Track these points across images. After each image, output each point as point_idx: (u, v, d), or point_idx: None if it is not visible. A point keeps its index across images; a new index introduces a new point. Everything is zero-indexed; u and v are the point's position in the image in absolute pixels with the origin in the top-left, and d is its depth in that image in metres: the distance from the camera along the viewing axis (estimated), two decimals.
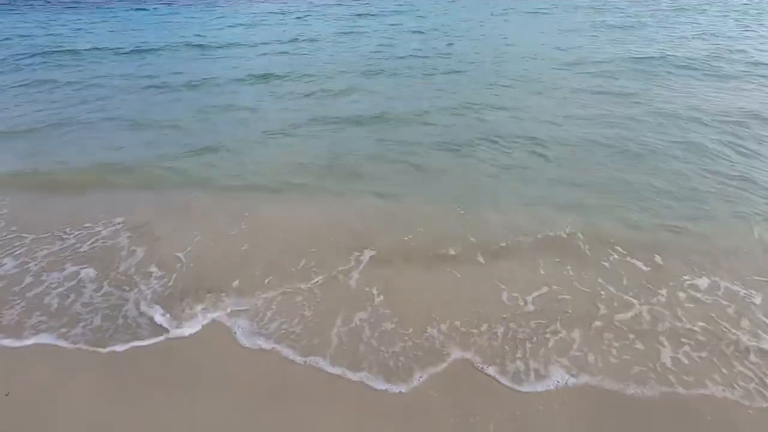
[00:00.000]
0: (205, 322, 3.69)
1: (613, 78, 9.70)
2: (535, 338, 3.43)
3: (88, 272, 4.16)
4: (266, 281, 4.06)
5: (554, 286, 3.88)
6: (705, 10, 23.28)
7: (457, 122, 7.40)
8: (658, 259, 4.16)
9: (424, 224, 4.65)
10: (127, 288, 4.03)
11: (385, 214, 4.96)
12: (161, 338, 3.56)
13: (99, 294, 3.97)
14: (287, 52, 13.93)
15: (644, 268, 4.09)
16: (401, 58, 12.58)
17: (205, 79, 10.31)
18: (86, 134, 7.27)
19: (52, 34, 19.82)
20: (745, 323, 3.53)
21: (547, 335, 3.46)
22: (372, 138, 6.91)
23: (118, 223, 4.82)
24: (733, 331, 3.47)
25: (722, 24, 18.11)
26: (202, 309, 3.77)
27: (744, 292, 3.77)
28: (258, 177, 5.74)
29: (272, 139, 6.89)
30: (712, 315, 3.62)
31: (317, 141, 6.85)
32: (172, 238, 4.63)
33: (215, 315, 3.76)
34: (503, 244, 4.36)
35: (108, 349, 3.49)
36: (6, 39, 18.41)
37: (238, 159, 6.30)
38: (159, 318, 3.69)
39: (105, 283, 4.08)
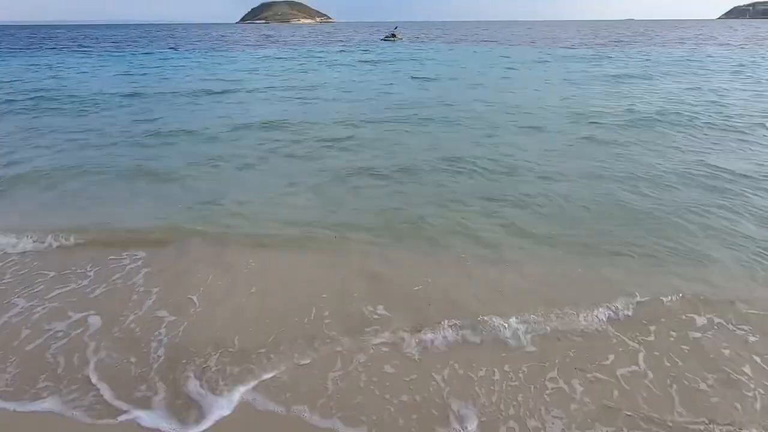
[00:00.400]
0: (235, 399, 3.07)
1: (611, 131, 9.55)
2: None
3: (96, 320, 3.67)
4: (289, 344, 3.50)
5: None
6: (704, 64, 23.91)
7: (459, 179, 7.11)
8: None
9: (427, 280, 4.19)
10: (137, 346, 3.48)
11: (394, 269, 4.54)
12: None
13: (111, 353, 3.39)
14: (289, 99, 13.93)
15: None
16: (401, 107, 12.55)
17: (207, 127, 10.00)
18: (88, 184, 6.91)
19: (56, 77, 20.11)
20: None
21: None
22: (382, 191, 6.63)
23: (129, 275, 4.35)
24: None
25: (718, 76, 18.45)
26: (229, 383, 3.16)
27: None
28: (266, 229, 5.34)
29: (277, 191, 6.57)
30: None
31: (323, 192, 6.53)
32: (183, 293, 4.14)
33: (244, 389, 3.15)
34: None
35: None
36: (14, 80, 18.64)
37: (243, 210, 5.92)
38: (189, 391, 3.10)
39: (114, 338, 3.54)
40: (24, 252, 4.89)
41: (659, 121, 10.30)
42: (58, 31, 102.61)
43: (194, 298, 4.09)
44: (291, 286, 4.30)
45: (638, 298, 4.02)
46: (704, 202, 6.03)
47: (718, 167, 7.22)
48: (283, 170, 7.47)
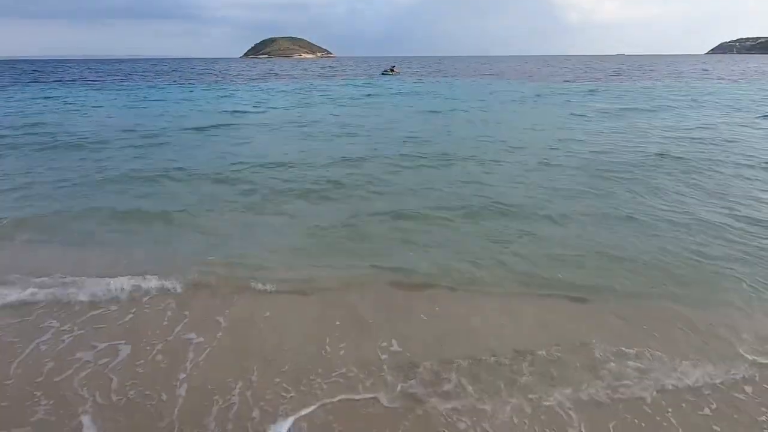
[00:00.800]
0: None
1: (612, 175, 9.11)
2: None
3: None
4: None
5: None
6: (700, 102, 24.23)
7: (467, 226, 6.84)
8: None
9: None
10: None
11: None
12: None
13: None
14: (296, 136, 13.59)
15: None
16: (409, 142, 12.39)
17: (210, 166, 9.69)
18: (82, 226, 6.57)
19: (58, 111, 20.20)
20: None
21: None
22: (386, 225, 6.37)
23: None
24: None
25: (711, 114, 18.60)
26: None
27: None
28: (267, 272, 5.02)
29: (283, 234, 6.23)
30: None
31: (330, 233, 6.23)
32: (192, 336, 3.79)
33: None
34: None
35: None
36: (17, 112, 18.69)
37: (250, 254, 5.60)
38: None
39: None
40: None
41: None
42: (68, 65, 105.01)
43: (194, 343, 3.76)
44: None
45: None
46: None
47: None
48: (289, 211, 7.11)
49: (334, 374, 3.51)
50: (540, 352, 3.72)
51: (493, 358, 3.65)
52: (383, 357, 3.70)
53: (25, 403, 3.23)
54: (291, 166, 9.70)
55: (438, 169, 9.62)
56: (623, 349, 3.76)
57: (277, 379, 3.45)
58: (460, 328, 4.11)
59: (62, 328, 4.08)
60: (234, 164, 9.80)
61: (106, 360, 3.67)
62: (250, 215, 7.01)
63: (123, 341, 3.90)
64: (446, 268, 5.16)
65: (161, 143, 12.50)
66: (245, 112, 19.69)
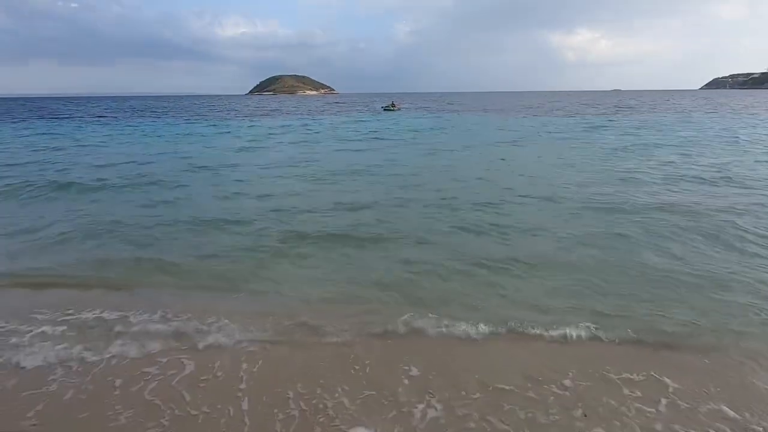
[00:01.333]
0: None
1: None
2: None
3: None
4: None
5: None
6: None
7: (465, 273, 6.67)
8: None
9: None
10: None
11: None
12: None
13: None
14: (302, 177, 12.92)
15: None
16: (412, 185, 11.99)
17: (211, 212, 9.00)
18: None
19: (59, 149, 20.46)
20: None
21: None
22: (384, 263, 6.18)
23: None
24: None
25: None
26: None
27: None
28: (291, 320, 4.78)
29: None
30: None
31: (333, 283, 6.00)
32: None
33: None
34: None
35: None
36: (22, 149, 18.94)
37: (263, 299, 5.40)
38: None
39: None
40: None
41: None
42: (77, 101, 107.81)
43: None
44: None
45: None
46: None
47: None
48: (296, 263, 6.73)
49: None
50: None
51: None
52: None
53: None
54: (295, 212, 9.54)
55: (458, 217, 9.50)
56: None
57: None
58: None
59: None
60: (239, 210, 9.42)
61: None
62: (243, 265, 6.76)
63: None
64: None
65: (160, 191, 12.40)
66: (250, 148, 19.91)
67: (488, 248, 6.86)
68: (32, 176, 12.84)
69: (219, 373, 3.96)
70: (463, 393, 3.69)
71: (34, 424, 3.42)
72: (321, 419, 3.43)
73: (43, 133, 27.18)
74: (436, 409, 3.51)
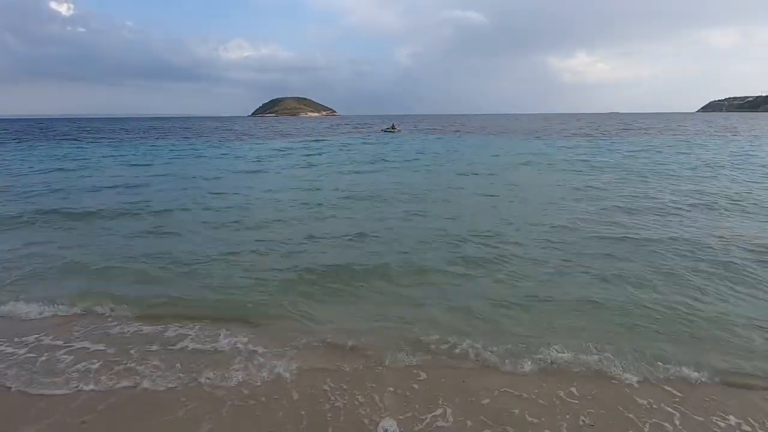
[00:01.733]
0: None
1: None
2: None
3: None
4: None
5: None
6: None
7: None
8: None
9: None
10: None
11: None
12: None
13: None
14: (305, 205, 12.21)
15: None
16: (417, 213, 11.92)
17: (211, 251, 8.03)
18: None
19: (63, 169, 20.25)
20: None
21: None
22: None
23: None
24: None
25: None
26: None
27: None
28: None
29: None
30: None
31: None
32: None
33: None
34: None
35: None
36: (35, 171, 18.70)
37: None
38: None
39: None
40: None
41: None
42: (80, 122, 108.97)
43: None
44: None
45: None
46: None
47: None
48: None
49: None
50: None
51: None
52: None
53: None
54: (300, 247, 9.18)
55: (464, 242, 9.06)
56: None
57: None
58: None
59: None
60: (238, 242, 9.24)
61: None
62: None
63: None
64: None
65: (171, 209, 12.13)
66: (255, 171, 19.68)
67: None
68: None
69: None
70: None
71: None
72: None
73: (73, 158, 27.04)
74: None
